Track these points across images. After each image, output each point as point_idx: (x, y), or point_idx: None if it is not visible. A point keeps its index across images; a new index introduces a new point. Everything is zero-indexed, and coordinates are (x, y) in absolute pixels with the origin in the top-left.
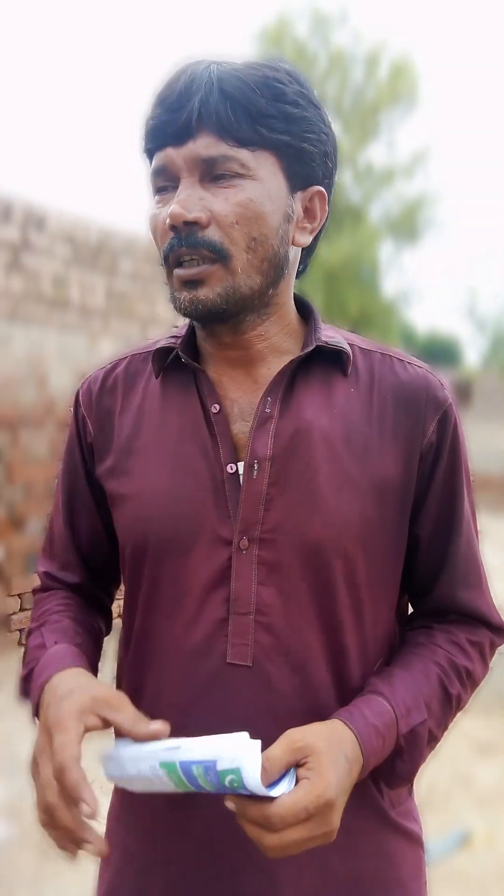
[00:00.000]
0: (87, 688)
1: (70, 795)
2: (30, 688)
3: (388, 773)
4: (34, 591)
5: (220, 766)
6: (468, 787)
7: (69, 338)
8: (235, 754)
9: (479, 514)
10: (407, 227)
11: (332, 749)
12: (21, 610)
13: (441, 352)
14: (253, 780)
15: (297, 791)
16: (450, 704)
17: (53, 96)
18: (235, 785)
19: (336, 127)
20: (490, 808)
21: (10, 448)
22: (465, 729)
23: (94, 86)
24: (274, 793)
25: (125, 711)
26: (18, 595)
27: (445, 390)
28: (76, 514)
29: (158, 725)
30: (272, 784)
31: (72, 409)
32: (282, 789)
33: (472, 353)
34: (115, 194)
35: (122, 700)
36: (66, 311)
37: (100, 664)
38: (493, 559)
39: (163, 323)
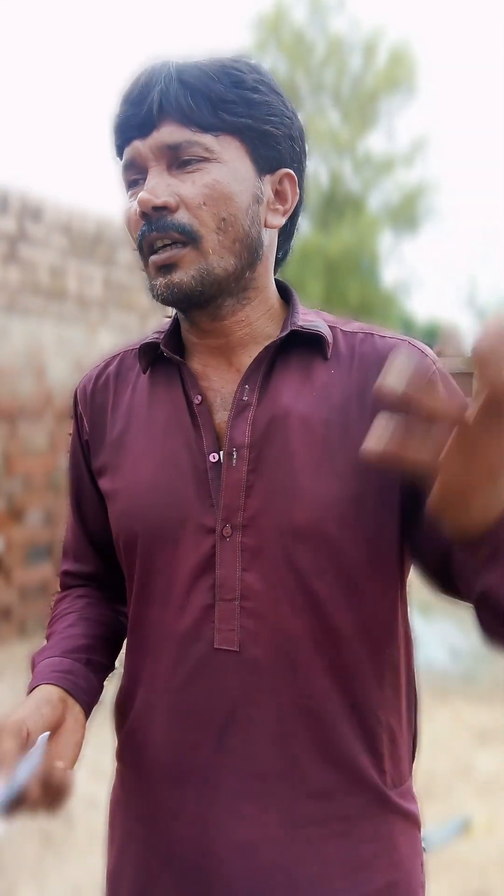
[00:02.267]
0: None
1: None
2: None
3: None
4: (55, 594)
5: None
6: (468, 775)
7: (67, 329)
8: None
9: None
10: (407, 216)
11: None
12: (22, 602)
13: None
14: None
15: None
16: None
17: (49, 86)
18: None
19: (334, 115)
20: (490, 795)
21: (8, 440)
22: (465, 717)
23: (90, 75)
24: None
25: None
26: (18, 586)
27: (428, 358)
28: (84, 506)
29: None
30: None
31: (72, 406)
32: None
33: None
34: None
35: (11, 734)
36: (63, 303)
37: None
38: None
39: (161, 313)
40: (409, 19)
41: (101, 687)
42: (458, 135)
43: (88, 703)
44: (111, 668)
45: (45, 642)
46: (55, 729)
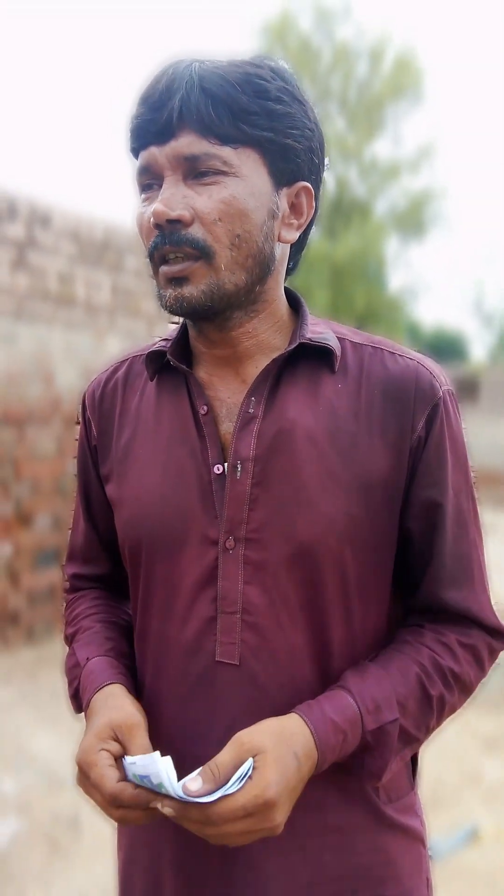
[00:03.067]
0: (107, 713)
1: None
2: (81, 706)
3: (358, 769)
4: (64, 593)
5: (154, 782)
6: (476, 784)
7: (75, 335)
8: (154, 772)
9: (482, 508)
10: (413, 222)
11: (279, 746)
12: (30, 606)
13: (447, 347)
14: (175, 791)
15: (237, 792)
16: (430, 705)
17: (57, 93)
18: (174, 794)
19: (340, 122)
20: (498, 803)
21: (16, 445)
22: (472, 725)
23: (98, 82)
24: (216, 794)
25: (136, 739)
26: (27, 591)
27: (437, 383)
28: (94, 507)
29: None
30: (223, 785)
31: (79, 411)
32: (232, 789)
33: (479, 349)
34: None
35: (134, 727)
36: (71, 309)
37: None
38: (499, 556)
39: (168, 320)
40: (415, 26)
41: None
42: (465, 140)
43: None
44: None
45: (77, 641)
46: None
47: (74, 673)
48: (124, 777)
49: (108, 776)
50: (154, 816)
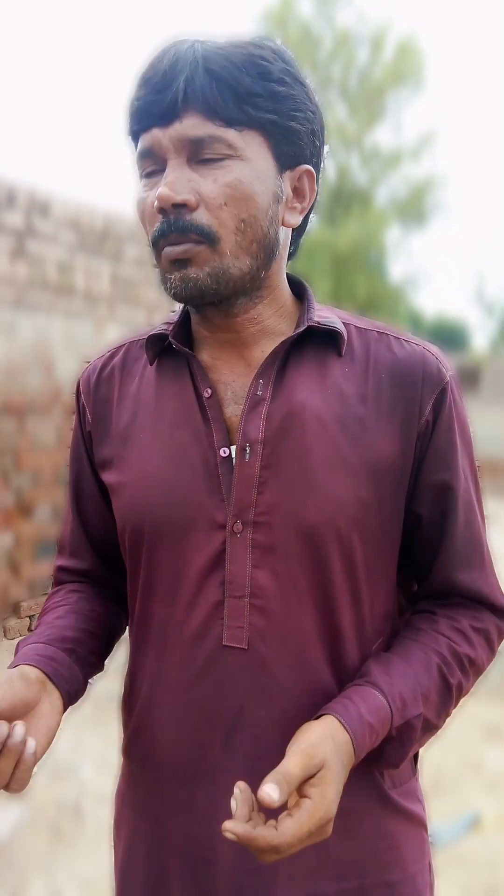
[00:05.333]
0: None
1: None
2: None
3: (377, 758)
4: (52, 585)
5: None
6: (477, 772)
7: (75, 324)
8: None
9: (485, 497)
10: (414, 210)
11: (335, 759)
12: (31, 597)
13: (449, 336)
14: None
15: (300, 815)
16: (450, 694)
17: (57, 80)
18: None
19: (341, 109)
20: (499, 791)
21: (17, 435)
22: (474, 713)
23: (97, 69)
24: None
25: None
26: (28, 581)
27: (444, 368)
28: (83, 500)
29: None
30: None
31: (74, 397)
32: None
33: (481, 337)
34: (120, 180)
35: None
36: (71, 298)
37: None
38: (500, 544)
39: (169, 309)
40: (417, 12)
41: (86, 681)
42: (467, 128)
43: (69, 692)
44: (99, 664)
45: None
46: (28, 707)
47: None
48: None
49: None
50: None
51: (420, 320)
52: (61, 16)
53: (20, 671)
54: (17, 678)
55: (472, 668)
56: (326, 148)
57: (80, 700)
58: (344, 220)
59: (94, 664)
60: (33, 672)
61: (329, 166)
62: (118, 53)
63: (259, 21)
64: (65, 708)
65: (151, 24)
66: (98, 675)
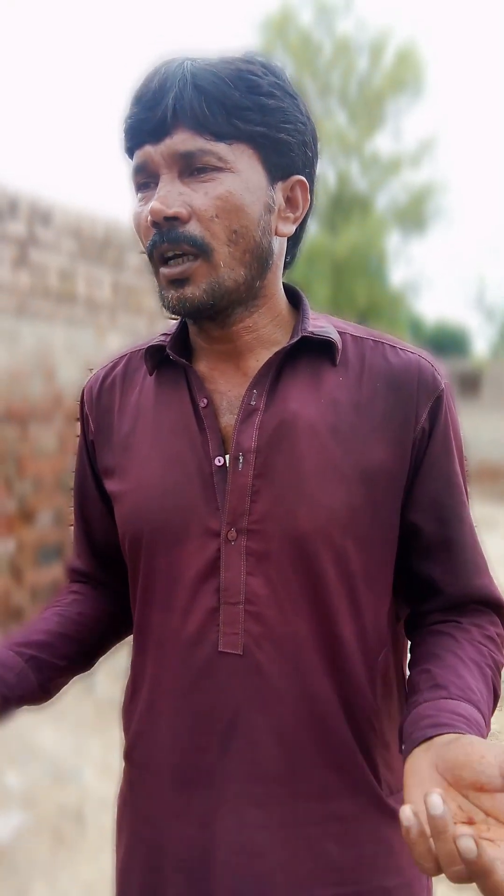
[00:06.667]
0: None
1: None
2: None
3: None
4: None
5: None
6: None
7: (76, 332)
8: None
9: (486, 502)
10: (414, 216)
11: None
12: (33, 602)
13: (450, 342)
14: None
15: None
16: (496, 704)
17: (58, 90)
18: None
19: (341, 116)
20: None
21: (19, 442)
22: None
23: (99, 79)
24: None
25: None
26: (30, 587)
27: (439, 376)
28: (87, 508)
29: None
30: None
31: (79, 407)
32: None
33: (481, 343)
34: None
35: None
36: (73, 306)
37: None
38: (502, 549)
39: (169, 317)
40: (416, 20)
41: (42, 685)
42: (466, 134)
43: (7, 697)
44: (72, 667)
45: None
46: None
47: None
48: None
49: None
50: None
51: (421, 326)
52: (64, 25)
53: None
54: None
55: (500, 673)
56: (320, 153)
57: (43, 701)
58: (344, 226)
59: (65, 668)
60: None
61: (329, 173)
62: (119, 64)
63: (259, 29)
64: (7, 708)
65: (153, 36)
66: (79, 675)
